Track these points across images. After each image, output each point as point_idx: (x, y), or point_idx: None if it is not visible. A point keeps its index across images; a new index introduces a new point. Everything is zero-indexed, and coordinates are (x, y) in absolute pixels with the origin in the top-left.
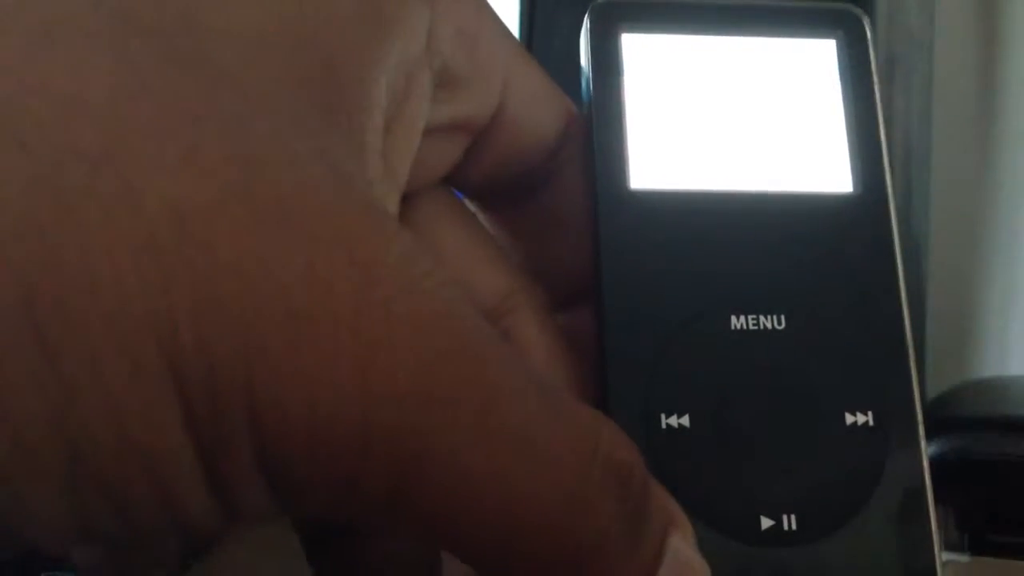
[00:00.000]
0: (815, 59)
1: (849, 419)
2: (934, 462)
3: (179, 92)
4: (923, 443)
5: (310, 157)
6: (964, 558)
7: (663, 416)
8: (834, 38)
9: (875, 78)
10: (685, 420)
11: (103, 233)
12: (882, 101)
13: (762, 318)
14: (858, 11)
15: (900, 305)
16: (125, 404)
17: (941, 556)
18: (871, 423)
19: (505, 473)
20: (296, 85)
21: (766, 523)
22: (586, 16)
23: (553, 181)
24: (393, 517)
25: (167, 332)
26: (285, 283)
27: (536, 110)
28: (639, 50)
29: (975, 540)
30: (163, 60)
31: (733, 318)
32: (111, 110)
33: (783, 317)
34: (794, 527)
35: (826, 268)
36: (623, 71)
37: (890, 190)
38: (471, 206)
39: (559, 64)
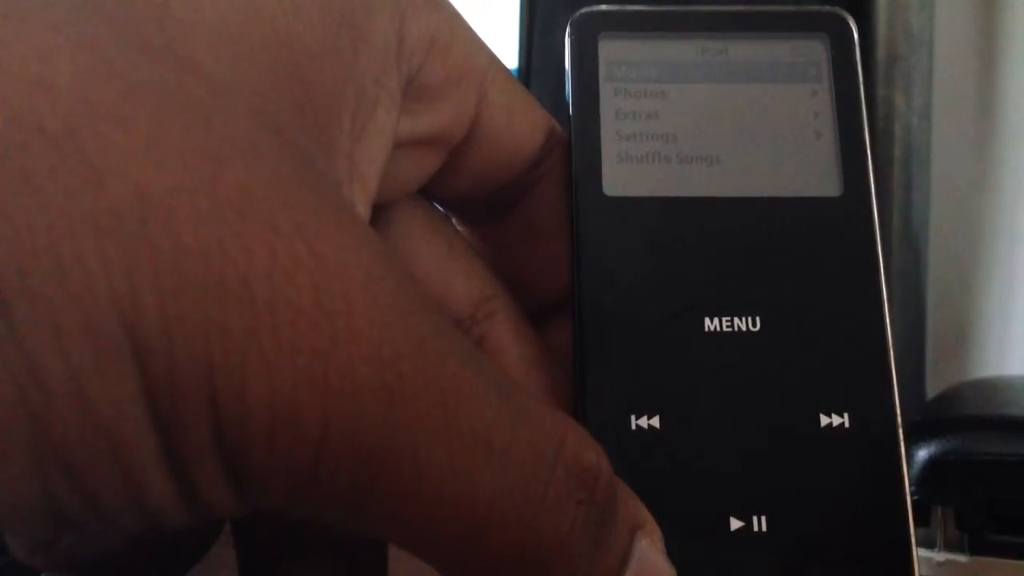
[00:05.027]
0: (800, 62)
1: (824, 420)
2: (933, 462)
3: (146, 80)
4: (902, 445)
5: (275, 151)
6: (963, 558)
7: (633, 417)
8: (819, 41)
9: (860, 80)
10: (656, 421)
11: (67, 213)
12: (881, 100)
13: (736, 320)
14: (844, 13)
15: (881, 307)
16: (88, 381)
17: (918, 563)
18: (847, 425)
19: (465, 472)
20: (264, 81)
21: (735, 524)
22: (568, 26)
23: (533, 193)
24: (354, 513)
25: (130, 312)
26: (247, 271)
27: (513, 122)
28: (621, 57)
29: (975, 540)
30: (131, 49)
31: (707, 320)
32: (77, 94)
33: (758, 319)
34: (764, 528)
35: (804, 270)
36: (603, 79)
37: (873, 193)
38: (452, 218)
39: (559, 64)
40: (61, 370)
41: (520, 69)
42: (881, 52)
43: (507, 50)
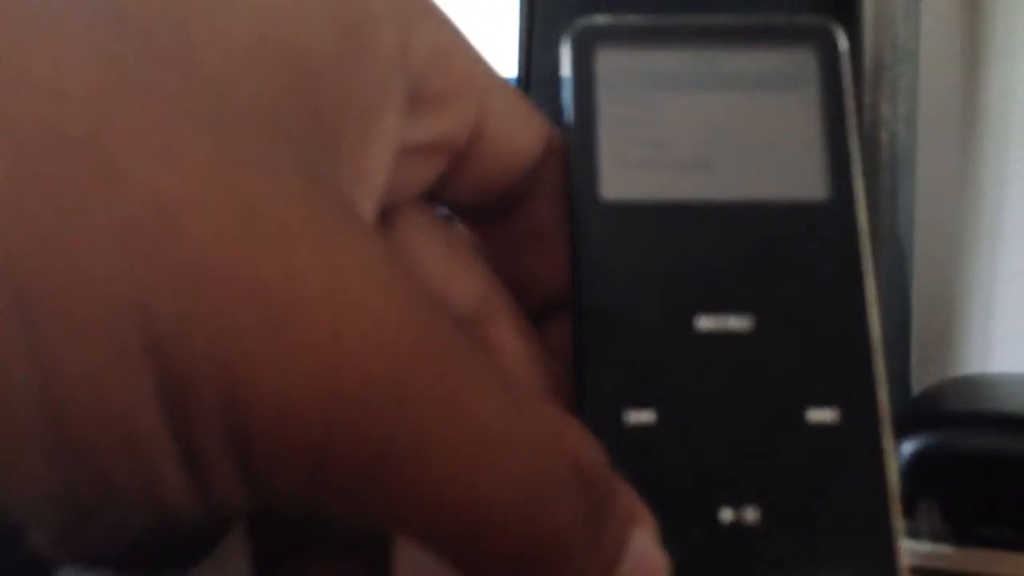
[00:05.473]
0: (789, 72)
1: (814, 415)
2: (919, 456)
3: (161, 89)
4: (889, 440)
5: (286, 158)
6: (948, 549)
7: (630, 412)
8: (808, 51)
9: (848, 89)
10: (651, 416)
11: (86, 216)
12: (868, 107)
13: (729, 319)
14: (832, 24)
15: (868, 307)
16: (106, 379)
17: (903, 555)
18: (835, 420)
19: (466, 469)
20: (276, 90)
21: (728, 516)
22: (566, 36)
23: (532, 197)
24: (356, 509)
25: (147, 313)
26: (260, 273)
27: (514, 129)
28: (617, 67)
29: (960, 532)
30: (147, 59)
31: (703, 318)
32: (94, 101)
33: (750, 318)
34: (756, 520)
35: (795, 272)
36: (600, 88)
37: (860, 196)
38: (454, 221)
39: (557, 73)
40: (79, 368)
41: (520, 79)
42: (868, 61)
43: (507, 60)
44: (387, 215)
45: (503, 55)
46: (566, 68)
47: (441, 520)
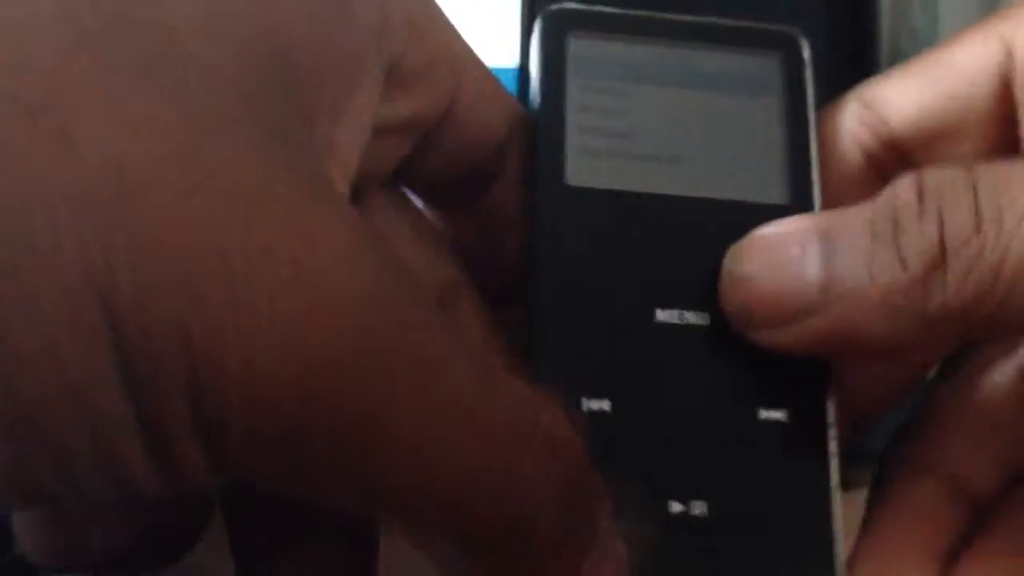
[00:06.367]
0: (755, 77)
1: (763, 415)
2: None
3: (126, 55)
4: (833, 443)
5: (255, 127)
6: None
7: (584, 400)
8: (772, 57)
9: (810, 96)
10: (605, 405)
11: (43, 184)
12: None
13: (687, 314)
14: (795, 32)
15: None
16: (63, 351)
17: (843, 556)
18: (784, 420)
19: (443, 444)
20: (247, 59)
21: (676, 508)
22: (537, 20)
23: (498, 180)
24: (331, 485)
25: (105, 282)
26: (224, 243)
27: (485, 109)
28: (589, 55)
29: None
30: (112, 23)
31: (658, 311)
32: (54, 66)
33: (707, 315)
34: (703, 514)
35: None
36: (570, 75)
37: (818, 204)
38: (420, 204)
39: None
40: (34, 337)
41: (521, 68)
42: (885, 49)
43: (507, 50)
44: (355, 194)
45: (503, 45)
46: (536, 52)
47: (419, 495)
